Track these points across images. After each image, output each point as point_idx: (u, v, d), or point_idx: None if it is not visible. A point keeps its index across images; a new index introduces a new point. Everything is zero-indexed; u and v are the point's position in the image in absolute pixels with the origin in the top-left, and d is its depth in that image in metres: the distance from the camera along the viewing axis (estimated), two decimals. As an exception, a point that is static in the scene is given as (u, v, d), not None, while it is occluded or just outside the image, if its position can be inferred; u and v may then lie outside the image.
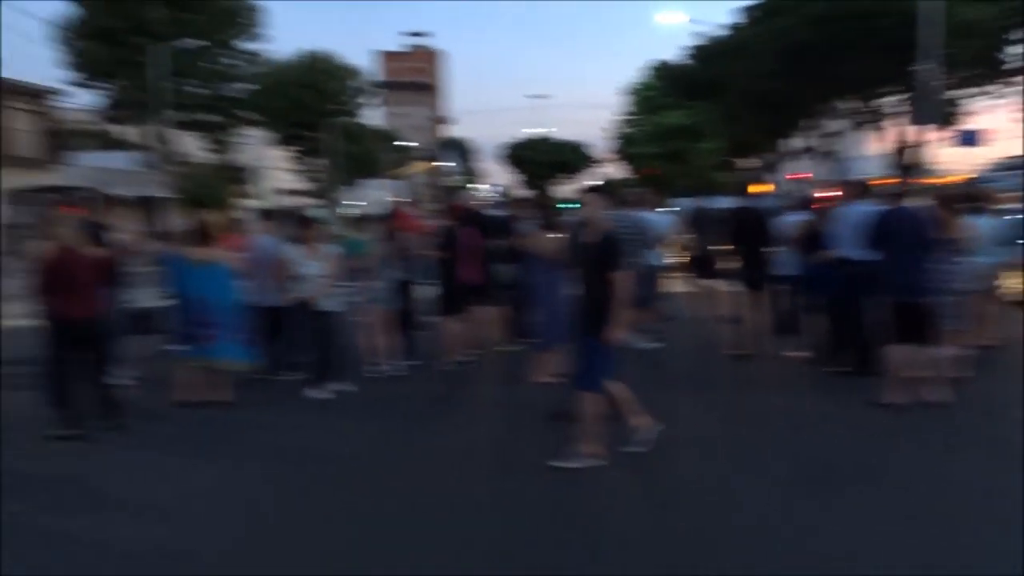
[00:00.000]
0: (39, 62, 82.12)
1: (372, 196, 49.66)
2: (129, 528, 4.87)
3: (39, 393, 6.76)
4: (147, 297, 9.65)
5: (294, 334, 8.19)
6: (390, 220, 9.60)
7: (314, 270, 7.80)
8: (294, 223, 8.50)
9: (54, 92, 32.94)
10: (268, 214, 9.43)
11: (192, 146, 34.35)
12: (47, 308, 6.60)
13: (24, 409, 7.01)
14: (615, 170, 60.98)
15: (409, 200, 23.97)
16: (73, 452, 6.31)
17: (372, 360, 8.64)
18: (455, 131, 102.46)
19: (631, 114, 52.99)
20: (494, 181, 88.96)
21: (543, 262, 7.28)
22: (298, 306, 7.87)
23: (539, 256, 7.43)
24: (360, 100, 48.02)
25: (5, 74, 21.22)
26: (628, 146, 53.55)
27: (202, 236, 7.57)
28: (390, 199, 27.93)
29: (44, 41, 33.89)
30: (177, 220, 29.97)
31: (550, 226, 7.81)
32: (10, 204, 26.25)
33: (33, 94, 31.73)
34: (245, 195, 35.61)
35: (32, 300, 6.72)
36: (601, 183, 29.13)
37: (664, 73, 38.64)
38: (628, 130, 53.59)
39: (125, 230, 9.40)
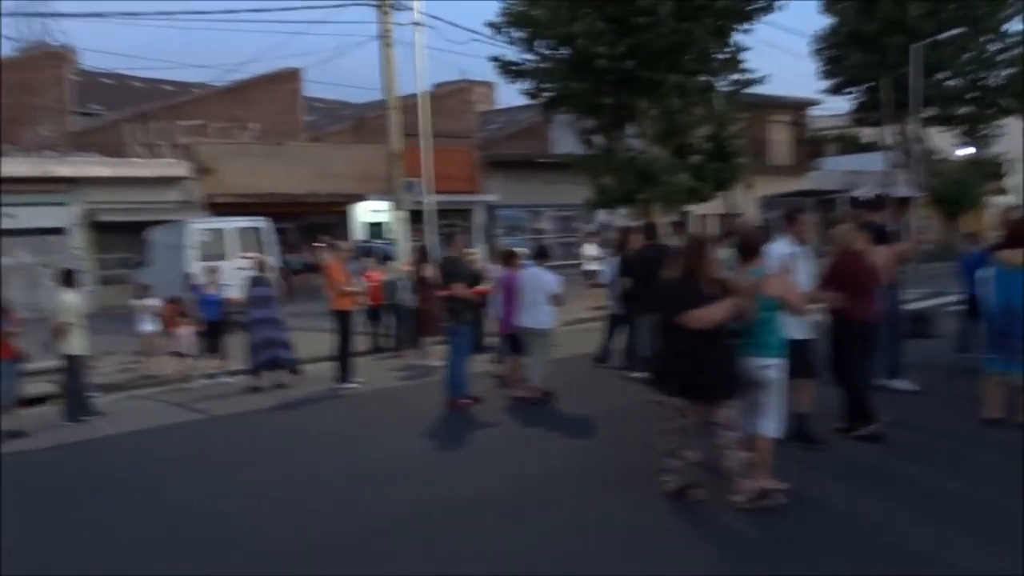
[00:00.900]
0: (804, 76, 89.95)
1: None
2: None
3: (831, 387, 6.91)
4: (924, 299, 9.28)
5: None
6: None
7: None
8: None
9: (810, 103, 35.01)
10: None
11: (944, 142, 32.55)
12: (832, 308, 6.73)
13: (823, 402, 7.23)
14: None
15: None
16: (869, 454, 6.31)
17: None
18: None
19: None
20: None
21: None
22: None
23: None
24: None
25: (769, 90, 23.29)
26: None
27: (1018, 238, 6.80)
28: None
29: (807, 56, 36.11)
30: (924, 220, 28.88)
31: None
32: (763, 208, 28.80)
33: (791, 107, 34.24)
34: (1001, 191, 32.25)
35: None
36: None
37: None
38: None
39: (906, 231, 9.17)
